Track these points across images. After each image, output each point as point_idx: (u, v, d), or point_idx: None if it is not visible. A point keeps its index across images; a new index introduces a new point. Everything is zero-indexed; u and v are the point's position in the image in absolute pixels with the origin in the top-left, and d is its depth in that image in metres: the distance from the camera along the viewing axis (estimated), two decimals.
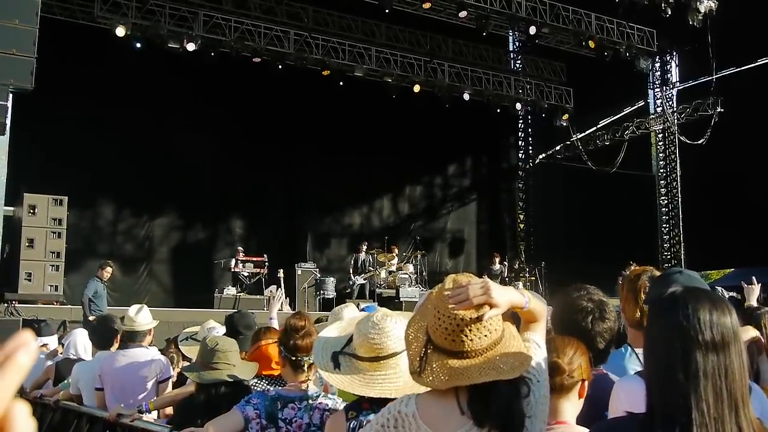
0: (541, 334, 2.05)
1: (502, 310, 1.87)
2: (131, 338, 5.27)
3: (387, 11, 16.54)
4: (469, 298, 1.81)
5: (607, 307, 2.78)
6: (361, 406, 2.52)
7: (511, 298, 1.90)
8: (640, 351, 2.98)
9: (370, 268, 16.95)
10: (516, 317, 2.05)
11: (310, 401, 3.19)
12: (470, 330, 1.82)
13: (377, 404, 2.42)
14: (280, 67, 17.35)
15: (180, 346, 5.23)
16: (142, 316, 5.31)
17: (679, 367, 1.64)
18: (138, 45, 15.88)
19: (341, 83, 17.99)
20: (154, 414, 4.76)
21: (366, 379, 2.51)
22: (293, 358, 3.26)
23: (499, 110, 20.83)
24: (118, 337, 5.49)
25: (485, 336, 1.83)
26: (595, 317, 2.72)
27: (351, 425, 2.46)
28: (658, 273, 3.08)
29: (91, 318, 10.92)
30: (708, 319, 1.66)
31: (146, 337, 5.35)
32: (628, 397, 2.34)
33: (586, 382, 2.42)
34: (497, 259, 18.42)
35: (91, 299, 11.57)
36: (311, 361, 3.24)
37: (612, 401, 2.49)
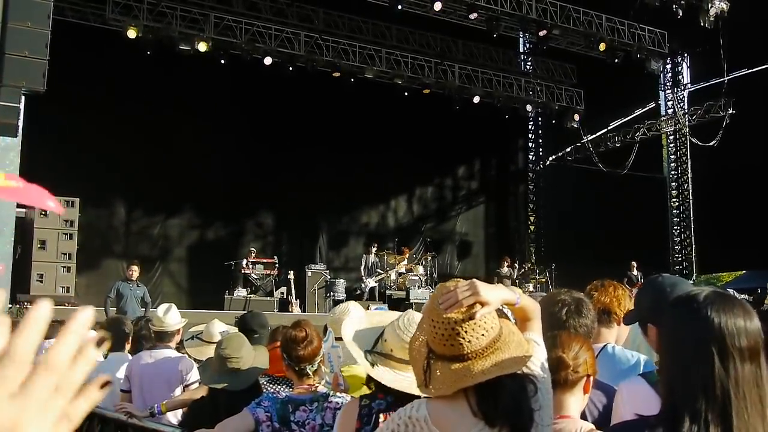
0: (539, 332, 2.07)
1: (494, 307, 1.88)
2: (160, 338, 5.15)
3: (400, 7, 16.40)
4: (458, 300, 1.83)
5: (585, 305, 2.78)
6: (376, 395, 2.52)
7: (501, 295, 1.91)
8: None
9: (379, 270, 16.90)
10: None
11: (321, 402, 3.19)
12: (465, 331, 1.83)
13: (392, 395, 2.43)
14: (290, 68, 17.39)
15: (186, 346, 5.13)
16: (171, 316, 5.19)
17: (712, 373, 1.57)
18: (148, 53, 15.89)
19: (352, 80, 18.01)
20: (169, 415, 4.75)
21: (397, 376, 2.45)
22: (297, 368, 3.28)
23: (509, 113, 20.79)
24: (130, 338, 5.47)
25: (482, 335, 1.84)
26: (571, 310, 2.73)
27: (362, 411, 2.48)
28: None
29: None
30: (742, 325, 1.60)
31: (174, 336, 5.25)
32: (633, 399, 2.33)
33: (591, 378, 2.43)
34: (506, 263, 18.32)
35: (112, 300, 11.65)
36: (315, 368, 3.27)
37: (617, 404, 2.48)
